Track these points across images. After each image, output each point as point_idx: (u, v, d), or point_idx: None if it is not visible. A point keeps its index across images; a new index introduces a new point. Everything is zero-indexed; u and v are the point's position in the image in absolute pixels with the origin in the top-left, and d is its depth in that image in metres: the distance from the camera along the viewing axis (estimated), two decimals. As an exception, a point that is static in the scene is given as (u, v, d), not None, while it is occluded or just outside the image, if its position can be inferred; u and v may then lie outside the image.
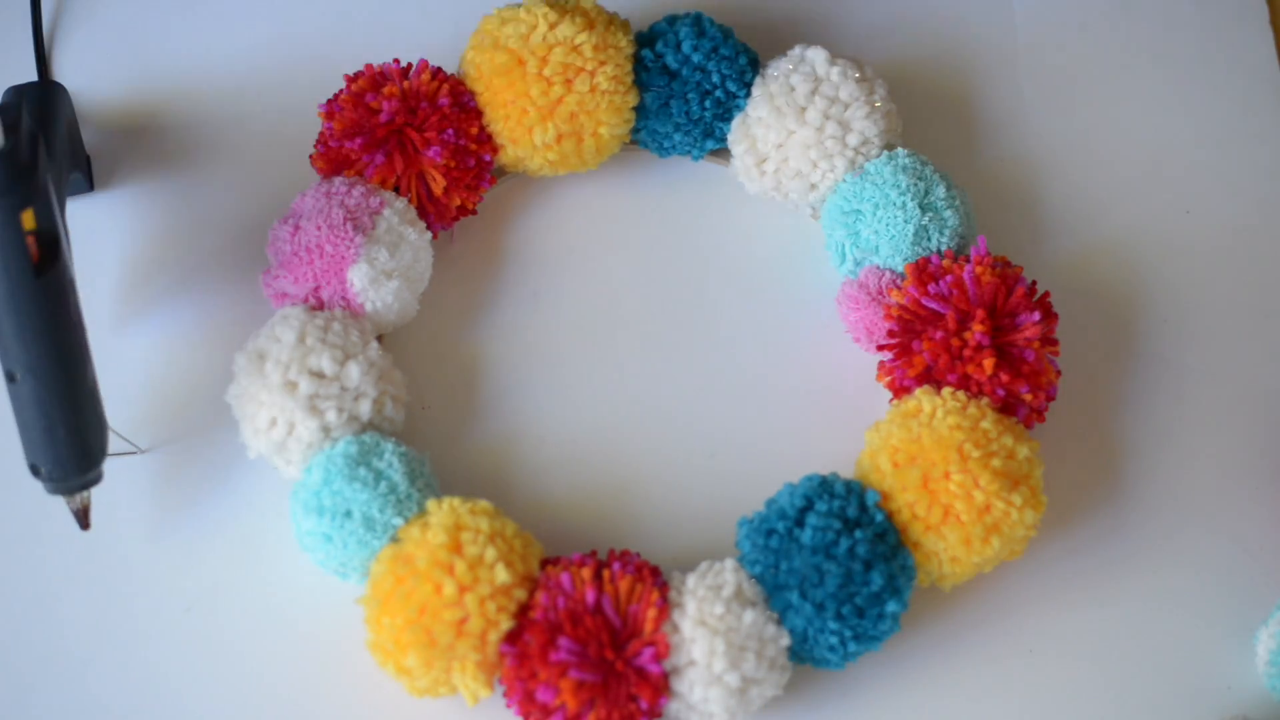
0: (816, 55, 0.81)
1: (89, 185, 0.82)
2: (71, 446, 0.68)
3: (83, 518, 0.71)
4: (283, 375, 0.73)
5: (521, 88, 0.79)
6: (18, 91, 0.80)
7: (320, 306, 0.76)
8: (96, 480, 0.70)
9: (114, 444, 0.71)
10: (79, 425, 0.68)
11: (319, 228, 0.75)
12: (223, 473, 0.76)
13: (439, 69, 0.80)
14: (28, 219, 0.64)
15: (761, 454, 0.77)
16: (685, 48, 0.80)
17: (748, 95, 0.81)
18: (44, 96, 0.79)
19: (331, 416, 0.72)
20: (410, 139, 0.78)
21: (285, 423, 0.72)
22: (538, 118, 0.79)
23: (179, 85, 0.86)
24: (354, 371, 0.73)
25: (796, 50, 0.81)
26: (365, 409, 0.73)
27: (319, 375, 0.73)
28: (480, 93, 0.80)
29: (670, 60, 0.80)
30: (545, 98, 0.79)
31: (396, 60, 0.79)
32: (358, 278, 0.75)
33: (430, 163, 0.78)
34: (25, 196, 0.64)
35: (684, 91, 0.80)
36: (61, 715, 0.72)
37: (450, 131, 0.78)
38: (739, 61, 0.81)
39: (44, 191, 0.65)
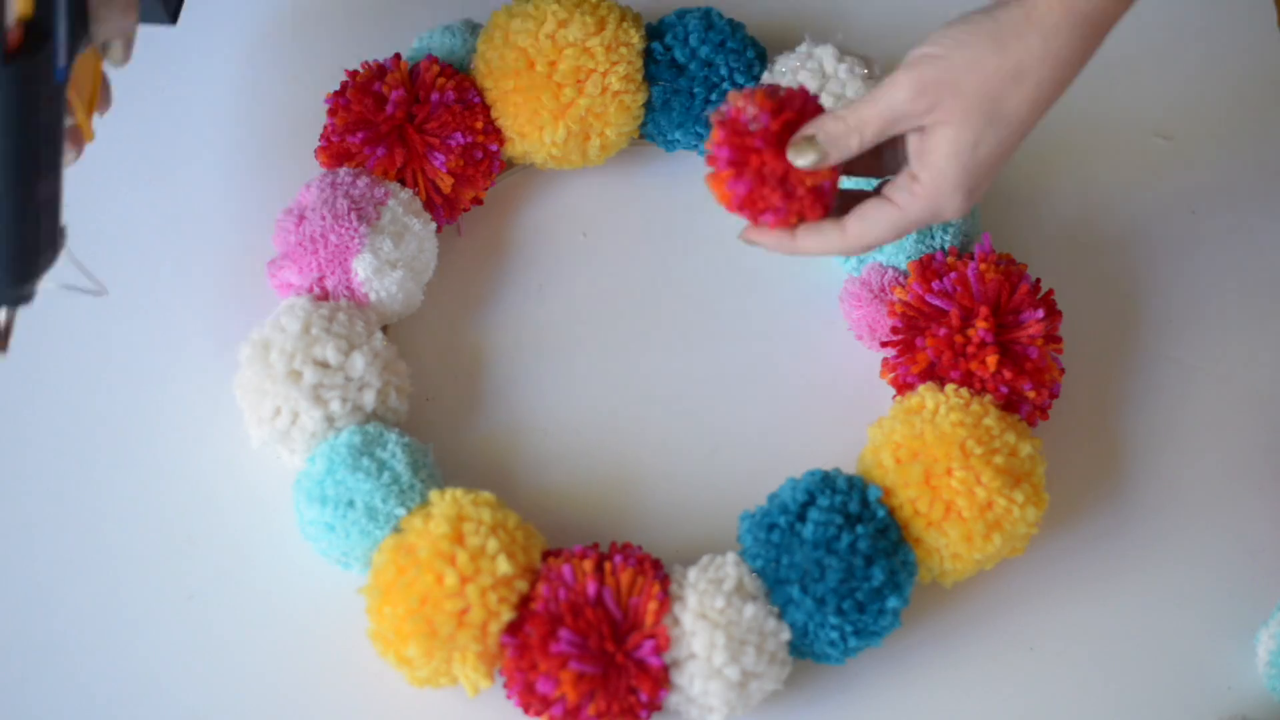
0: (824, 51, 0.80)
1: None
2: (4, 254, 0.63)
3: (2, 337, 0.65)
4: (287, 365, 0.73)
5: (532, 91, 0.79)
6: None
7: (325, 297, 0.76)
8: (27, 299, 0.64)
9: (74, 278, 0.66)
10: (19, 234, 0.62)
11: (324, 218, 0.75)
12: (226, 461, 0.76)
13: (447, 65, 0.80)
14: (23, 4, 0.58)
15: (764, 448, 0.77)
16: (693, 41, 0.80)
17: (755, 90, 0.81)
18: None
19: (335, 406, 0.72)
20: (412, 139, 0.78)
21: (289, 412, 0.72)
22: (549, 119, 0.79)
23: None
24: (358, 362, 0.73)
25: (804, 46, 0.81)
26: (369, 399, 0.73)
27: (323, 365, 0.73)
28: (489, 89, 0.80)
29: (679, 54, 0.80)
30: (556, 101, 0.79)
31: (397, 55, 0.79)
32: (362, 268, 0.75)
33: (435, 172, 0.78)
34: None
35: (691, 85, 0.80)
36: (65, 701, 0.72)
37: (458, 135, 0.78)
38: (747, 55, 0.81)
39: None
